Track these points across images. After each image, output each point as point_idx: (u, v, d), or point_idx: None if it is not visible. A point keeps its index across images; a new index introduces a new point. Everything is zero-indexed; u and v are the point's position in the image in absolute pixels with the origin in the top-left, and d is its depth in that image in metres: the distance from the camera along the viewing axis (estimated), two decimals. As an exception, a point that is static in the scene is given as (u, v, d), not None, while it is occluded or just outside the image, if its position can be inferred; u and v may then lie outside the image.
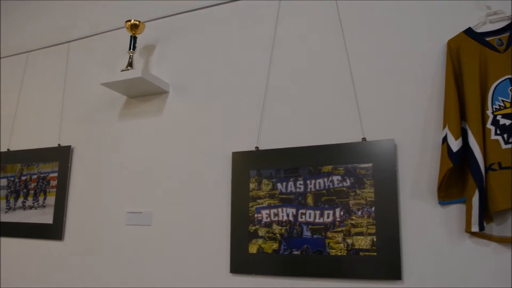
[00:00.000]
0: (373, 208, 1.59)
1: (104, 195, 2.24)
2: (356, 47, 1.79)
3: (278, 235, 1.73)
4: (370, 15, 1.80)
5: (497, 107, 1.45)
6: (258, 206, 1.79)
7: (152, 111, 2.20)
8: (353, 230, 1.60)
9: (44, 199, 2.42)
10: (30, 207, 2.45)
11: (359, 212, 1.61)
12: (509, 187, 1.37)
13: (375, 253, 1.55)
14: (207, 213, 1.93)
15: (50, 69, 2.69)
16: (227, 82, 2.04)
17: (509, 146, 1.41)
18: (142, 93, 2.22)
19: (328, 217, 1.65)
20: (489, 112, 1.46)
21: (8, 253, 2.49)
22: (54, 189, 2.39)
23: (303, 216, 1.70)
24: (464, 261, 1.46)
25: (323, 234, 1.65)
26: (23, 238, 2.45)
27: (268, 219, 1.76)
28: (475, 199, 1.41)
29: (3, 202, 2.57)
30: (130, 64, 2.12)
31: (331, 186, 1.67)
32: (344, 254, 1.60)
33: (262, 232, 1.76)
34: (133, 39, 2.17)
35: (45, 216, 2.39)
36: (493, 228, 1.45)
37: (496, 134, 1.44)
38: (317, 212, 1.68)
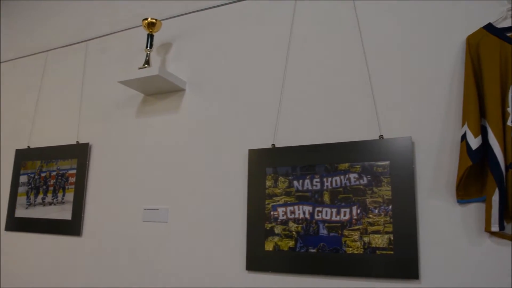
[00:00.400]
0: (390, 206, 1.57)
1: (121, 191, 2.27)
2: (373, 44, 1.78)
3: (294, 232, 1.73)
4: (387, 12, 1.78)
5: (518, 104, 1.43)
6: (274, 203, 1.79)
7: (169, 109, 2.22)
8: (370, 228, 1.59)
9: (63, 195, 2.45)
10: (50, 203, 2.49)
11: (376, 210, 1.59)
12: (530, 186, 1.35)
13: (392, 252, 1.53)
14: (223, 210, 1.94)
15: (69, 67, 2.73)
16: (244, 80, 2.04)
17: (530, 144, 1.38)
18: (159, 91, 2.23)
19: (344, 215, 1.64)
20: (509, 109, 1.44)
21: (28, 248, 2.54)
22: (73, 186, 2.43)
23: (320, 214, 1.69)
24: (483, 261, 1.44)
25: (340, 232, 1.64)
26: (42, 234, 2.49)
27: (284, 217, 1.76)
28: (495, 198, 1.38)
29: (24, 198, 2.62)
30: (147, 62, 2.13)
31: (348, 184, 1.66)
32: (361, 252, 1.59)
33: (278, 229, 1.76)
34: (150, 37, 2.18)
35: (64, 212, 2.42)
36: (513, 228, 1.43)
37: (516, 131, 1.41)
38: (334, 210, 1.67)
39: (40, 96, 2.80)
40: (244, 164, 1.93)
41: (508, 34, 1.50)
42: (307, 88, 1.87)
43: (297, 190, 1.76)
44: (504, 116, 1.44)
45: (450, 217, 1.51)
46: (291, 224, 1.74)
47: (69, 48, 2.76)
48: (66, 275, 2.34)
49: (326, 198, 1.69)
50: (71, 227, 2.37)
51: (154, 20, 2.16)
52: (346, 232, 1.63)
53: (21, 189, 2.65)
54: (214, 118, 2.07)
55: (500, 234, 1.42)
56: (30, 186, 2.62)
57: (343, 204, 1.66)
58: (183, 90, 2.19)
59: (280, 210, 1.77)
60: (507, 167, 1.40)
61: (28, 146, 2.73)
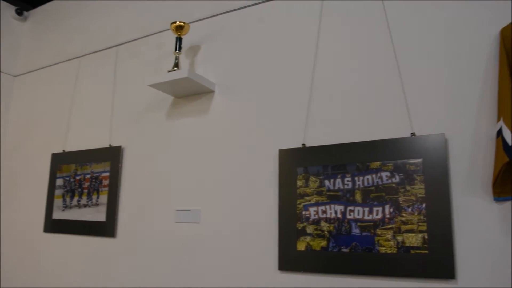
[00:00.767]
0: (424, 205, 1.55)
1: (153, 193, 2.31)
2: (403, 39, 1.75)
3: (326, 232, 1.72)
4: (417, 6, 1.75)
5: (557, 97, 1.38)
6: (306, 203, 1.79)
7: (198, 111, 2.24)
8: (403, 227, 1.57)
9: (97, 197, 2.51)
10: (85, 206, 2.56)
11: (409, 209, 1.57)
12: None
13: (426, 251, 1.51)
14: (254, 211, 1.95)
15: (101, 72, 2.79)
16: (272, 80, 2.04)
17: None
18: (188, 93, 2.26)
19: (377, 214, 1.63)
20: (547, 103, 1.39)
21: (66, 249, 2.61)
22: (106, 188, 2.48)
23: (352, 213, 1.68)
24: (523, 260, 1.40)
25: (372, 231, 1.62)
26: (79, 235, 2.56)
27: (316, 216, 1.75)
28: (534, 195, 1.35)
29: (60, 200, 2.70)
30: (176, 65, 2.16)
31: (380, 183, 1.65)
32: (394, 252, 1.57)
33: (310, 229, 1.75)
34: (179, 40, 2.21)
35: (98, 214, 2.48)
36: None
37: (555, 126, 1.36)
38: (366, 209, 1.65)
39: (74, 101, 2.88)
40: (275, 164, 1.93)
41: (545, 26, 1.46)
42: (337, 86, 1.86)
43: (329, 190, 1.75)
44: (542, 110, 1.39)
45: (487, 215, 1.47)
46: (323, 223, 1.73)
47: (101, 54, 2.83)
48: (102, 275, 2.39)
49: (358, 197, 1.68)
50: (106, 228, 2.42)
51: (182, 23, 2.19)
52: (379, 231, 1.61)
53: (58, 192, 2.73)
54: (243, 119, 2.08)
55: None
56: (66, 189, 2.69)
57: (375, 203, 1.64)
58: (212, 91, 2.21)
59: (312, 209, 1.77)
60: (546, 163, 1.35)
61: (63, 150, 2.81)
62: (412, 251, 1.53)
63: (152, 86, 2.16)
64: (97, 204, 2.50)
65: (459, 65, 1.62)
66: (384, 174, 1.64)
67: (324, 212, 1.74)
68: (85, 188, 2.59)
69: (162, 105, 2.40)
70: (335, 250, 1.68)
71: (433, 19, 1.71)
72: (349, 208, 1.69)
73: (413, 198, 1.57)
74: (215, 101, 2.20)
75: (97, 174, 2.55)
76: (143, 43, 2.61)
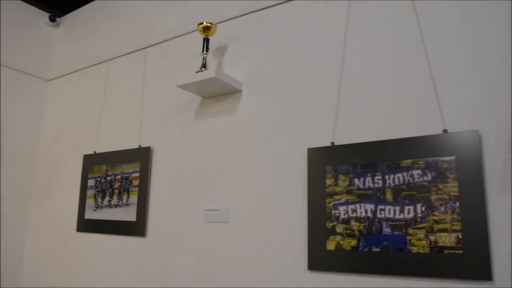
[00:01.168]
0: (457, 203, 1.50)
1: (182, 193, 2.33)
2: (434, 33, 1.71)
3: (356, 231, 1.69)
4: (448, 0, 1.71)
5: None
6: (335, 202, 1.77)
7: (226, 110, 2.25)
8: (436, 227, 1.53)
9: (128, 197, 2.55)
10: (115, 206, 2.60)
11: (442, 208, 1.53)
12: None
13: (461, 251, 1.47)
14: (283, 210, 1.94)
15: (129, 74, 2.84)
16: (300, 78, 2.03)
17: None
18: (216, 93, 2.27)
19: (408, 213, 1.59)
20: None
21: (98, 248, 2.66)
22: (137, 188, 2.52)
23: (382, 212, 1.65)
24: None
25: (404, 230, 1.59)
26: (110, 234, 2.61)
27: (346, 215, 1.73)
28: None
29: (92, 201, 2.75)
30: (204, 65, 2.18)
31: (411, 181, 1.61)
32: (427, 251, 1.53)
33: (340, 228, 1.73)
34: (206, 41, 2.22)
35: (129, 214, 2.52)
36: None
37: None
38: (397, 208, 1.62)
39: (104, 103, 2.94)
40: (304, 163, 1.92)
41: None
42: (365, 83, 1.84)
43: (358, 188, 1.72)
44: None
45: (525, 213, 1.42)
46: (353, 222, 1.71)
47: (129, 56, 2.88)
48: (132, 273, 2.43)
49: (389, 195, 1.65)
50: (136, 228, 2.46)
51: (209, 24, 2.20)
52: (410, 231, 1.58)
53: (89, 192, 2.79)
54: (271, 118, 2.08)
55: None
56: (97, 190, 2.75)
57: (406, 201, 1.61)
58: (239, 91, 2.22)
59: (342, 208, 1.75)
60: None
61: (94, 152, 2.87)
62: (445, 251, 1.50)
63: (181, 87, 2.18)
64: (127, 204, 2.54)
65: (494, 58, 1.57)
66: (415, 172, 1.61)
67: (354, 211, 1.71)
68: (116, 188, 2.63)
69: (190, 105, 2.42)
70: (365, 250, 1.66)
71: (465, 11, 1.66)
72: (379, 207, 1.66)
73: (446, 196, 1.53)
74: (242, 100, 2.21)
75: (127, 175, 2.59)
76: (171, 45, 2.64)
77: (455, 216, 1.50)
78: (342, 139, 1.84)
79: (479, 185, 1.48)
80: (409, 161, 1.63)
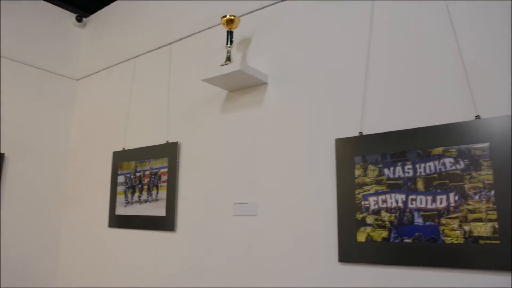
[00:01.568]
0: (492, 192, 1.45)
1: (211, 187, 2.33)
2: (463, 18, 1.65)
3: (387, 222, 1.66)
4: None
5: None
6: (365, 193, 1.74)
7: (252, 103, 2.24)
8: (470, 216, 1.49)
9: (157, 193, 2.58)
10: (145, 201, 2.64)
11: (476, 197, 1.48)
12: None
13: (497, 241, 1.42)
14: (312, 202, 1.92)
15: (155, 71, 2.86)
16: (326, 68, 2.00)
17: None
18: (242, 86, 2.26)
19: (441, 203, 1.55)
20: None
21: (129, 243, 2.71)
22: (165, 184, 2.54)
23: (414, 202, 1.61)
24: None
25: (437, 220, 1.55)
26: (140, 230, 2.65)
27: (376, 206, 1.70)
28: None
29: (122, 197, 2.80)
30: (228, 59, 2.17)
31: (443, 169, 1.57)
32: (461, 242, 1.49)
33: (370, 219, 1.70)
34: (230, 34, 2.22)
35: (158, 209, 2.55)
36: None
37: None
38: (429, 198, 1.58)
39: (131, 100, 2.97)
40: (332, 153, 1.89)
41: None
42: (393, 70, 1.79)
43: (388, 178, 1.69)
44: None
45: None
46: (383, 213, 1.68)
47: (154, 53, 2.90)
48: (164, 268, 2.46)
49: (420, 185, 1.61)
50: (166, 223, 2.48)
51: (232, 17, 2.19)
52: (443, 221, 1.54)
53: (120, 189, 2.83)
54: (298, 109, 2.06)
55: None
56: (127, 186, 2.79)
57: (438, 191, 1.56)
58: (265, 83, 2.20)
59: (371, 199, 1.71)
60: None
61: (123, 148, 2.91)
62: (481, 241, 1.45)
63: (206, 81, 2.18)
64: (156, 200, 2.57)
65: (528, 42, 1.50)
66: (447, 161, 1.56)
67: (385, 201, 1.68)
68: (145, 184, 2.66)
69: (216, 99, 2.42)
70: (397, 241, 1.62)
71: (497, -6, 1.60)
72: (410, 197, 1.62)
73: (480, 185, 1.48)
74: (268, 92, 2.19)
75: (156, 170, 2.61)
76: (195, 39, 2.64)
77: (490, 205, 1.45)
78: (371, 129, 1.80)
79: (516, 172, 1.42)
80: (441, 149, 1.58)
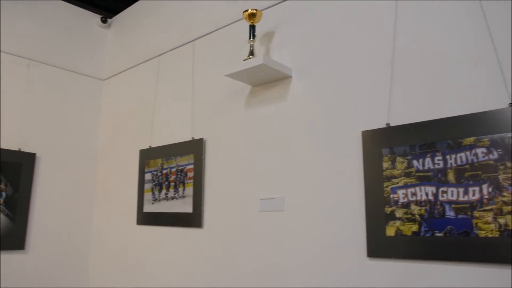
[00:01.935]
0: (529, 183, 1.39)
1: (237, 182, 2.32)
2: (495, 3, 1.58)
3: (417, 216, 1.61)
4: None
5: None
6: (394, 186, 1.69)
7: (276, 97, 2.22)
8: (506, 209, 1.42)
9: (183, 190, 2.59)
10: (172, 198, 2.65)
11: (512, 188, 1.42)
12: None
13: (535, 233, 1.35)
14: (339, 196, 1.88)
15: (179, 68, 2.87)
16: (351, 59, 1.96)
17: None
18: (265, 80, 2.24)
19: (473, 195, 1.49)
20: None
21: (157, 240, 2.73)
22: (191, 180, 2.55)
23: (445, 195, 1.56)
24: None
25: (469, 213, 1.49)
26: (168, 227, 2.66)
27: (405, 199, 1.65)
28: None
29: (150, 194, 2.82)
30: (251, 53, 2.15)
31: (475, 160, 1.50)
32: (497, 235, 1.42)
33: (399, 213, 1.66)
34: (252, 28, 2.20)
35: (185, 206, 2.56)
36: None
37: None
38: (461, 190, 1.52)
39: (157, 98, 2.99)
40: (358, 146, 1.85)
41: None
42: (420, 58, 1.73)
43: (418, 170, 1.63)
44: None
45: None
46: (413, 207, 1.63)
47: (178, 50, 2.91)
48: (191, 264, 2.46)
49: (451, 177, 1.55)
50: (193, 219, 2.49)
51: (254, 11, 2.17)
52: (476, 214, 1.48)
53: (147, 186, 2.86)
54: (323, 102, 2.02)
55: None
56: (154, 183, 2.81)
57: (471, 182, 1.50)
58: (289, 77, 2.17)
59: (400, 192, 1.67)
60: None
61: (150, 146, 2.93)
62: (517, 234, 1.39)
63: (229, 76, 2.17)
64: (183, 196, 2.57)
65: None
66: (479, 151, 1.50)
67: (414, 194, 1.63)
68: (172, 181, 2.68)
69: (240, 94, 2.41)
70: (427, 235, 1.57)
71: (530, -25, 1.52)
72: (441, 189, 1.57)
73: (515, 175, 1.42)
74: (292, 86, 2.16)
75: (182, 167, 2.62)
76: (218, 35, 2.63)
77: (527, 196, 1.38)
78: (398, 120, 1.75)
79: (553, 161, 1.35)
80: (472, 139, 1.52)
